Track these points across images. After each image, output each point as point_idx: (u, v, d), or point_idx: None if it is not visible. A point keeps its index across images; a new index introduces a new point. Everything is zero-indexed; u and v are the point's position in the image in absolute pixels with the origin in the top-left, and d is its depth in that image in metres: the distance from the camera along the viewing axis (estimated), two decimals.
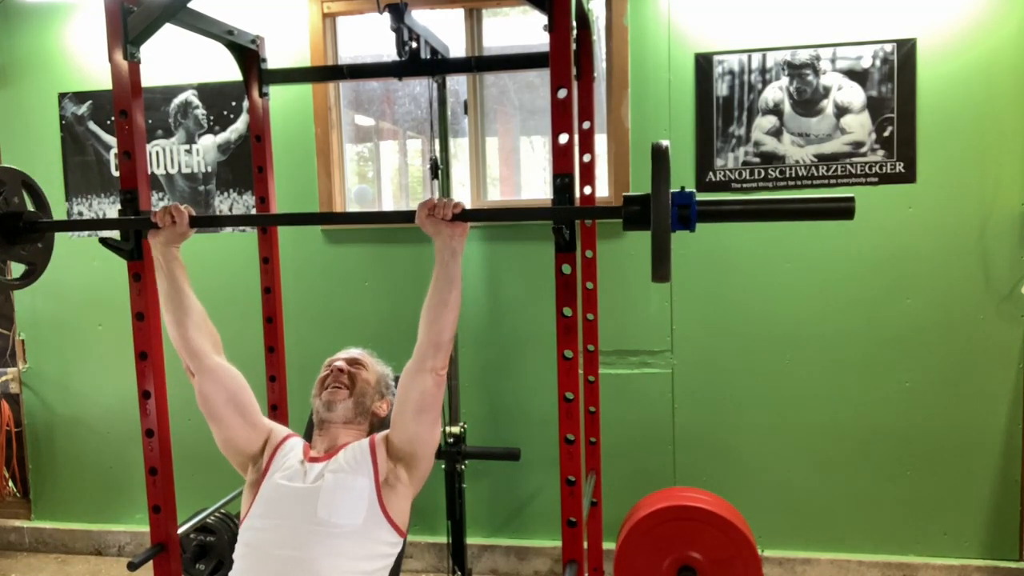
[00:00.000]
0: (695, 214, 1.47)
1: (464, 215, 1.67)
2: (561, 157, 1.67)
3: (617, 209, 1.53)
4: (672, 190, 1.44)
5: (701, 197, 1.49)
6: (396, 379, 2.14)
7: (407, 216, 1.71)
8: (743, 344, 2.93)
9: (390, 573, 1.80)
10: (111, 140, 3.29)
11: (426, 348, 1.72)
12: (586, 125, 2.44)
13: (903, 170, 2.78)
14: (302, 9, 3.08)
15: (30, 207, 1.92)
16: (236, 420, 1.84)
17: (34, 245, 1.86)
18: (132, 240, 1.85)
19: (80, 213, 3.36)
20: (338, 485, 1.74)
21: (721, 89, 2.85)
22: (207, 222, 1.81)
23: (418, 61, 2.41)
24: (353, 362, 2.00)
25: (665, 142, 1.46)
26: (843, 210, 1.47)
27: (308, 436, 2.13)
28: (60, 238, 3.36)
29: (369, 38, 3.23)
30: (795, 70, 2.80)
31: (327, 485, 1.74)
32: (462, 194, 3.16)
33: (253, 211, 3.17)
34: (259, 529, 1.73)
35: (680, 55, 2.87)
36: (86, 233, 3.35)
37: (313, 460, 1.86)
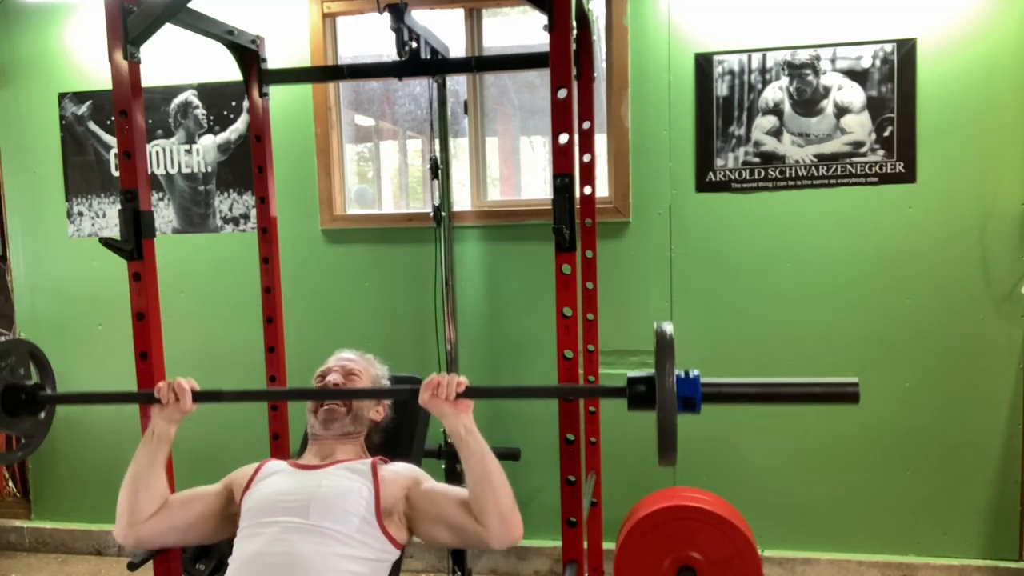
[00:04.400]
0: (700, 399, 1.48)
1: (468, 393, 1.62)
2: (561, 157, 1.67)
3: (622, 389, 1.52)
4: (677, 371, 1.43)
5: (705, 379, 1.48)
6: (392, 378, 2.14)
7: (411, 394, 1.65)
8: (743, 344, 2.93)
9: (389, 574, 1.79)
10: (111, 140, 3.29)
11: (492, 522, 1.63)
12: (586, 125, 2.44)
13: (903, 170, 2.78)
14: (302, 9, 3.08)
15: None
16: (192, 533, 1.81)
17: (35, 417, 1.82)
18: (133, 240, 1.85)
19: (80, 213, 3.35)
20: (333, 493, 1.71)
21: (721, 89, 2.85)
22: (210, 397, 1.72)
23: (418, 61, 2.41)
24: (348, 374, 1.97)
25: (669, 329, 1.45)
26: (848, 395, 1.46)
27: (303, 447, 2.12)
28: (61, 238, 3.38)
29: (369, 38, 3.23)
30: (795, 70, 2.80)
31: (321, 493, 1.71)
32: (462, 194, 3.16)
33: (253, 211, 3.18)
34: (250, 534, 1.70)
35: (680, 55, 2.87)
36: (86, 233, 3.35)
37: (305, 467, 1.84)
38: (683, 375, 1.47)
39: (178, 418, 1.73)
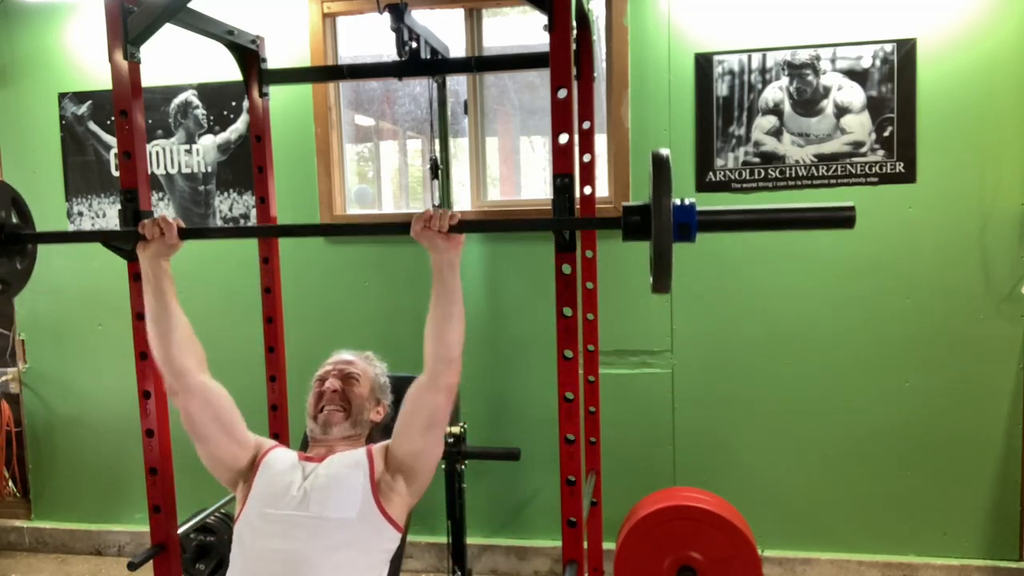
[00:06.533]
0: (695, 225, 1.45)
1: (460, 227, 1.61)
2: (561, 157, 1.67)
3: (616, 219, 1.51)
4: (673, 200, 1.42)
5: (701, 206, 1.46)
6: (392, 378, 2.14)
7: (402, 227, 1.64)
8: (743, 344, 2.93)
9: (389, 572, 1.80)
10: (111, 140, 3.29)
11: (436, 365, 1.67)
12: (586, 125, 2.44)
13: (903, 170, 2.78)
14: (302, 9, 3.08)
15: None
16: (222, 438, 1.78)
17: (12, 262, 1.81)
18: (132, 240, 1.85)
19: (80, 213, 3.36)
20: (331, 481, 1.74)
21: (721, 89, 2.85)
22: (197, 234, 1.72)
23: (418, 61, 2.41)
24: (347, 377, 1.97)
25: (665, 151, 1.43)
26: (843, 219, 1.45)
27: (304, 449, 2.12)
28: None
29: (369, 38, 3.23)
30: (795, 70, 2.80)
31: (320, 482, 1.74)
32: (462, 194, 3.16)
33: (253, 211, 3.18)
34: (253, 527, 1.73)
35: (680, 55, 2.87)
36: None
37: (308, 460, 1.85)
38: (679, 202, 1.43)
39: (167, 253, 1.74)
